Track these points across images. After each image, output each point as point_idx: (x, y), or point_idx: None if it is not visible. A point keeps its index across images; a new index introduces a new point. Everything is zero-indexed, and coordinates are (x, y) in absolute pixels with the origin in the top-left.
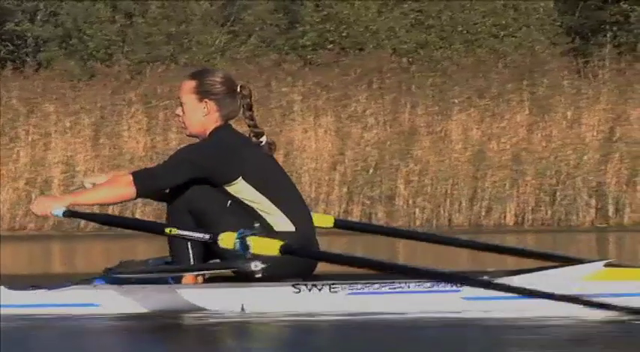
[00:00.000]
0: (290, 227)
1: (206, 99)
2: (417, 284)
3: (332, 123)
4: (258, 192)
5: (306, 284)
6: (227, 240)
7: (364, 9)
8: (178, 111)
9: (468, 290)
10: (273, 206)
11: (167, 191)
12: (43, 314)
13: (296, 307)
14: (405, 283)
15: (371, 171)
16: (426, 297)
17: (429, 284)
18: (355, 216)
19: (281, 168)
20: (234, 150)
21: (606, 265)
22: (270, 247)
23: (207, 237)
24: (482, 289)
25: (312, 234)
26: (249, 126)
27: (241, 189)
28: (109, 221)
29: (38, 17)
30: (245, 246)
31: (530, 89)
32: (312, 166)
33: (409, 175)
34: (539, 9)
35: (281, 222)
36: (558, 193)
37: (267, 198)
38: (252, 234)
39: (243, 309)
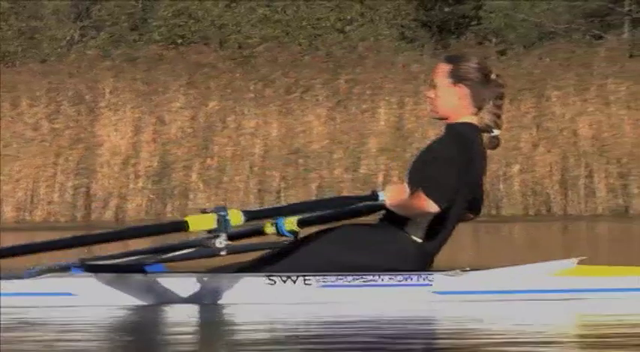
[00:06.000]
0: (418, 237)
1: (460, 84)
2: (390, 277)
3: (137, 118)
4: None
5: (280, 276)
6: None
7: (213, 4)
8: (430, 93)
9: (438, 284)
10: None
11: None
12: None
13: (270, 299)
14: (379, 276)
15: (166, 165)
16: (396, 291)
17: (400, 278)
18: (143, 209)
19: (482, 181)
20: (475, 158)
21: (579, 262)
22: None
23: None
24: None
25: (428, 256)
26: (494, 114)
27: None
28: None
29: None
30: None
31: (344, 84)
32: (106, 159)
33: (205, 170)
34: (386, 3)
35: (418, 228)
36: (335, 186)
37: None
38: (211, 212)
39: (217, 302)
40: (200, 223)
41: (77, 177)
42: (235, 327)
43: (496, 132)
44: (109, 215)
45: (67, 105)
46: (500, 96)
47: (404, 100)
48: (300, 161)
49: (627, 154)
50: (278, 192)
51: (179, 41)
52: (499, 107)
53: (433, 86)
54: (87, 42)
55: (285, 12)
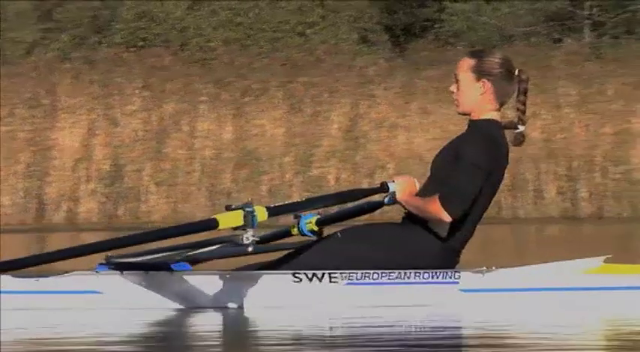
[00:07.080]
0: (443, 232)
1: (483, 79)
2: (416, 275)
3: (91, 121)
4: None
5: (306, 273)
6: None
7: (174, 6)
8: (453, 87)
9: (465, 282)
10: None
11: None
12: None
13: (296, 296)
14: (405, 274)
15: (118, 168)
16: (423, 288)
17: (427, 275)
18: (95, 212)
19: (502, 180)
20: (500, 157)
21: (606, 260)
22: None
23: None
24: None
25: (454, 254)
26: (518, 109)
27: None
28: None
29: None
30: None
31: (299, 87)
32: (59, 162)
33: (157, 172)
34: (347, 7)
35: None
36: (286, 190)
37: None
38: (237, 208)
39: (243, 300)
40: (229, 220)
41: (29, 180)
42: (261, 325)
43: (521, 128)
44: (61, 217)
45: (23, 108)
46: (524, 92)
47: (358, 103)
48: (253, 163)
49: (577, 157)
50: (229, 194)
51: (140, 44)
52: (523, 103)
53: (456, 81)
54: (49, 44)
55: (247, 15)
